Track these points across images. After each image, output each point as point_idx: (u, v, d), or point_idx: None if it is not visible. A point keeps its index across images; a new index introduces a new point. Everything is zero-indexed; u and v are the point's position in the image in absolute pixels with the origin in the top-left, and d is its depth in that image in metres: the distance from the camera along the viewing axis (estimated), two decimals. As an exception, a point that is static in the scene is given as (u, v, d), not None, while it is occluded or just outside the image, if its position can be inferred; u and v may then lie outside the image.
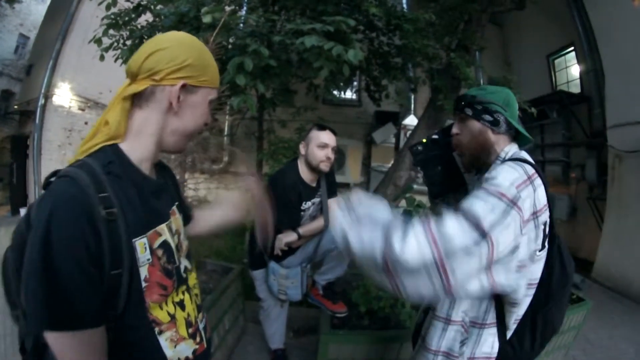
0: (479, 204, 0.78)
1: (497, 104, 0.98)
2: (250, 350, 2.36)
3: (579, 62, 5.37)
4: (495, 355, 0.95)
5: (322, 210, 1.91)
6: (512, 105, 1.00)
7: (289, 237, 1.77)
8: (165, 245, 0.69)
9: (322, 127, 1.81)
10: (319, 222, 1.87)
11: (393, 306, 2.04)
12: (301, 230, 1.80)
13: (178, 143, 0.73)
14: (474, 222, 0.74)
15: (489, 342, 0.95)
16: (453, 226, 0.73)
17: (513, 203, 0.78)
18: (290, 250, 1.83)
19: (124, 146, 0.66)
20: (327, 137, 1.78)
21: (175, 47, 0.67)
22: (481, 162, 1.03)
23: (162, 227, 0.69)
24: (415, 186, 3.12)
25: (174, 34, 0.71)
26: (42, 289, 0.52)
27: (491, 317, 0.94)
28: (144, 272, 0.63)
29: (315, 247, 1.87)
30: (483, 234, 0.73)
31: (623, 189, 4.21)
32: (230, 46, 2.63)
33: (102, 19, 3.02)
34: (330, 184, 1.94)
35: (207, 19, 2.20)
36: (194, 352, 0.73)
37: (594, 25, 4.62)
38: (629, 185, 4.12)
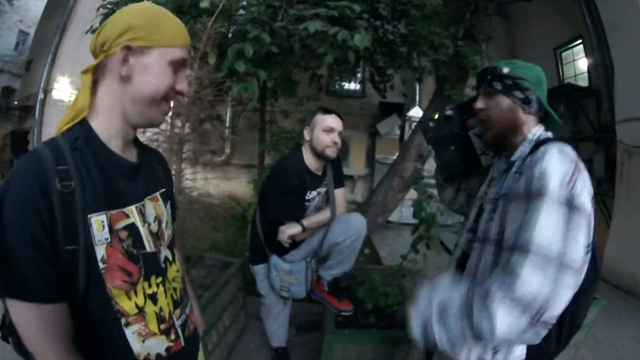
0: (543, 229, 0.74)
1: (529, 80, 0.91)
2: (252, 348, 2.29)
3: (587, 55, 5.25)
4: (525, 355, 0.89)
5: (329, 200, 1.81)
6: (543, 84, 0.94)
7: (292, 229, 1.66)
8: (132, 228, 0.66)
9: (327, 111, 1.72)
10: (325, 214, 1.77)
11: (401, 303, 1.96)
12: (306, 222, 1.69)
13: (142, 113, 0.68)
14: (543, 255, 0.73)
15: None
16: (530, 282, 0.72)
17: (571, 206, 0.74)
18: (293, 243, 1.72)
19: (94, 123, 0.66)
20: (333, 120, 1.69)
21: (123, 14, 0.65)
22: (506, 142, 0.95)
23: (131, 209, 0.67)
24: (424, 179, 3.04)
25: (133, 5, 0.68)
26: None
27: None
28: (100, 251, 0.60)
29: (320, 240, 1.76)
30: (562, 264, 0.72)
31: (632, 185, 4.10)
32: (230, 34, 2.55)
33: (98, 8, 2.95)
34: (337, 172, 1.84)
35: (204, 4, 2.13)
36: (168, 349, 0.71)
37: (604, 19, 4.51)
38: (638, 182, 4.02)
